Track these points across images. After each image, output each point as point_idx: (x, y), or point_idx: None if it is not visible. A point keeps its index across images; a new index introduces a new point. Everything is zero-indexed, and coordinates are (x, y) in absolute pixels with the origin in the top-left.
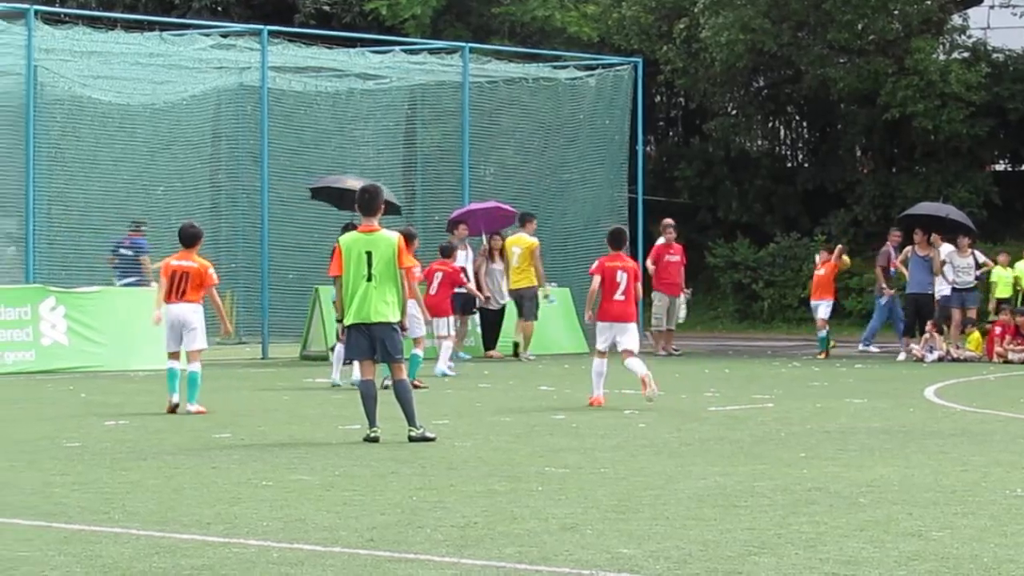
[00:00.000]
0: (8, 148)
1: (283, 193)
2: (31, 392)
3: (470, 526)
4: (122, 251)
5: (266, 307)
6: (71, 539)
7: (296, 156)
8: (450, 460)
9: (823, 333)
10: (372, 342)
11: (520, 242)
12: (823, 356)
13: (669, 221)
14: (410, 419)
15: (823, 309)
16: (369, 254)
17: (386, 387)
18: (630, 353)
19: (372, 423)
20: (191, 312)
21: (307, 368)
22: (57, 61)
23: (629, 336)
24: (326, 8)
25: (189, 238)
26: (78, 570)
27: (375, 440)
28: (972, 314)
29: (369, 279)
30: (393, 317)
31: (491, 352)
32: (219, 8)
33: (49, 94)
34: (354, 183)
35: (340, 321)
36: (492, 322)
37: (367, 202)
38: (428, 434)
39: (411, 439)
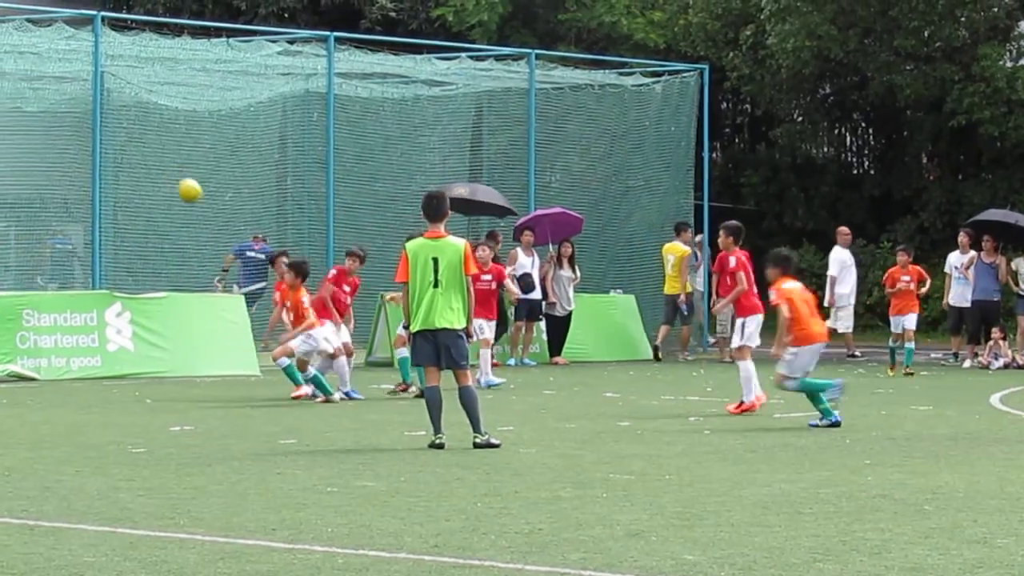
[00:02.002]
0: (75, 154)
1: (348, 199)
2: (97, 397)
3: (535, 532)
4: (249, 254)
5: None
6: (137, 544)
7: (362, 162)
8: (515, 466)
9: (911, 345)
10: (437, 349)
11: (674, 250)
12: (909, 372)
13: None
14: (475, 425)
15: (911, 320)
16: (436, 260)
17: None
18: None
19: (437, 430)
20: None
21: (372, 374)
22: (124, 67)
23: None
24: (392, 14)
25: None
26: (143, 575)
27: (440, 447)
28: None
29: (435, 285)
30: (459, 324)
31: (556, 359)
32: (286, 15)
33: (116, 100)
34: (461, 190)
35: (407, 327)
36: (558, 328)
37: (434, 208)
38: (493, 440)
39: (476, 445)
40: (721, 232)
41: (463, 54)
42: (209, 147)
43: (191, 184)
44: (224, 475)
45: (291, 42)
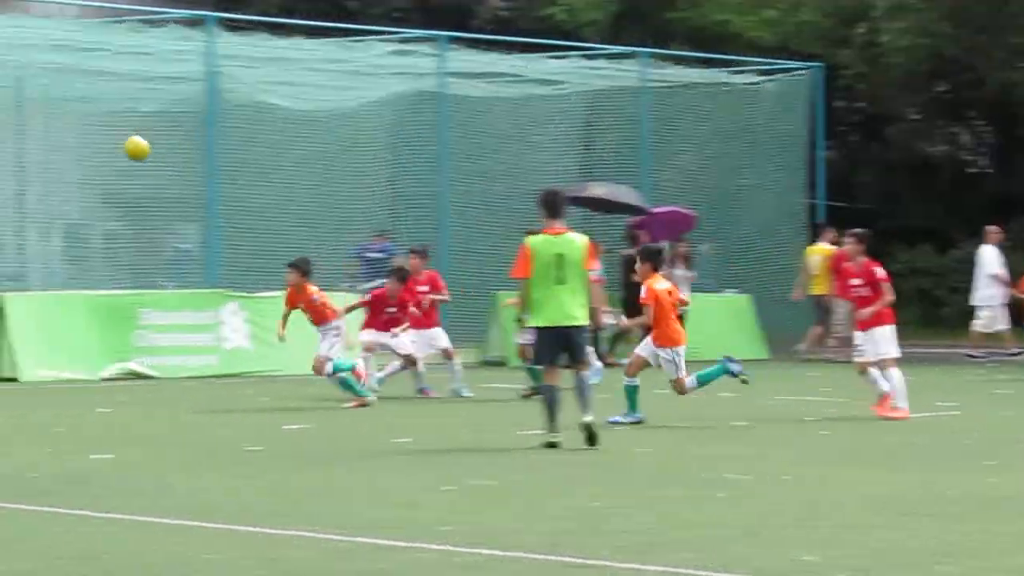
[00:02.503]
0: (189, 154)
1: (461, 198)
2: (214, 396)
3: (650, 532)
4: (369, 255)
5: (445, 311)
6: (255, 542)
7: (474, 162)
8: (630, 466)
9: None
10: (563, 345)
11: (819, 251)
12: None
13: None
14: (585, 407)
15: None
16: (560, 256)
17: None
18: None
19: (554, 428)
20: None
21: (487, 373)
22: (237, 68)
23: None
24: (504, 13)
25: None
26: (261, 573)
27: (556, 445)
28: None
29: (562, 282)
30: (584, 320)
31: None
32: (398, 15)
33: (229, 100)
34: (596, 190)
35: (519, 320)
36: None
37: (553, 204)
38: (589, 419)
39: (584, 426)
40: (851, 239)
41: (575, 53)
42: (322, 147)
43: (137, 141)
44: (340, 473)
45: (403, 42)
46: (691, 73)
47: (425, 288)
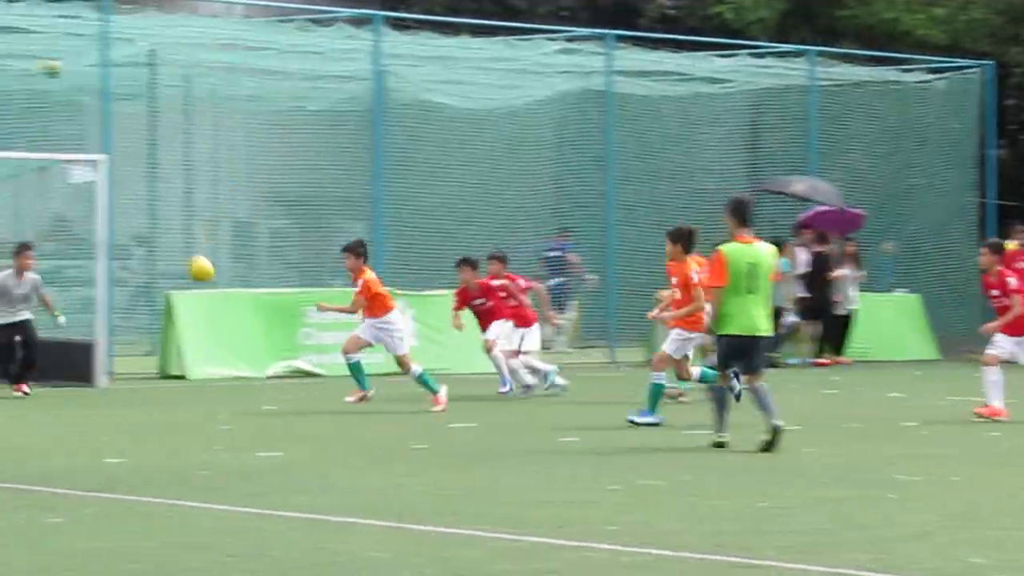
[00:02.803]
0: (356, 153)
1: (626, 197)
2: (382, 394)
3: (817, 532)
4: (550, 254)
5: (612, 311)
6: (422, 541)
7: (640, 160)
8: (797, 466)
9: None
10: (747, 353)
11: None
12: None
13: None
14: (769, 417)
15: None
16: (752, 266)
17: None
18: None
19: (722, 428)
20: None
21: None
22: (404, 66)
23: None
24: (671, 12)
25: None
26: (429, 572)
27: (723, 446)
28: None
29: (753, 291)
30: (770, 331)
31: (839, 358)
32: (564, 13)
33: (396, 99)
34: (797, 186)
35: (711, 332)
36: (839, 328)
37: (743, 213)
38: (777, 422)
39: (776, 429)
40: (985, 249)
41: (742, 51)
42: (488, 145)
43: (203, 263)
44: (507, 472)
45: (570, 40)
46: (860, 72)
47: (503, 294)
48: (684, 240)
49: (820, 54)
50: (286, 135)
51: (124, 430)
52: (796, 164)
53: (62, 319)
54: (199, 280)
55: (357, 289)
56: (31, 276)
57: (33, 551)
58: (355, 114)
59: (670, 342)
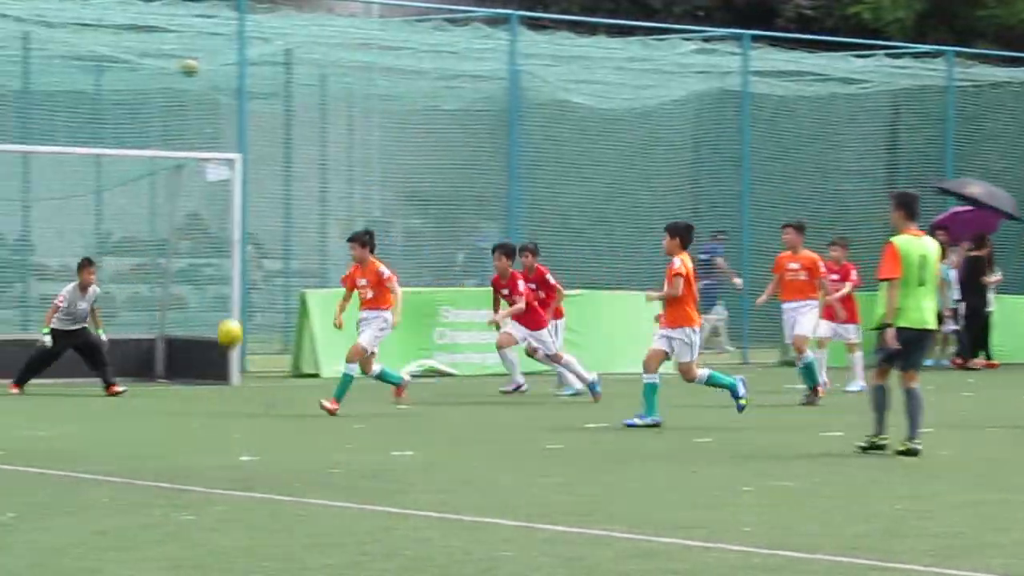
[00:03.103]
0: (491, 152)
1: (762, 198)
2: (514, 393)
3: (955, 536)
4: (701, 256)
5: (747, 312)
6: (553, 540)
7: (776, 161)
8: (934, 469)
9: None
10: (912, 347)
11: None
12: None
13: None
14: (912, 430)
15: None
16: (923, 258)
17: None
18: None
19: (882, 430)
20: None
21: (786, 373)
22: (539, 66)
23: None
24: (808, 12)
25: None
26: (561, 572)
27: (882, 448)
28: None
29: (923, 283)
30: (935, 325)
31: (977, 360)
32: (700, 13)
33: (531, 99)
34: (973, 188)
35: (887, 326)
36: (977, 331)
37: (912, 206)
38: (917, 446)
39: (899, 452)
40: None
41: (879, 52)
42: (623, 145)
43: (232, 328)
44: (639, 473)
45: (706, 40)
46: (998, 72)
47: (533, 285)
48: (681, 235)
49: (958, 55)
50: (421, 135)
51: (257, 428)
52: (933, 165)
53: (104, 337)
54: (227, 344)
55: (366, 282)
56: (93, 290)
57: (166, 548)
58: (490, 114)
59: (679, 351)
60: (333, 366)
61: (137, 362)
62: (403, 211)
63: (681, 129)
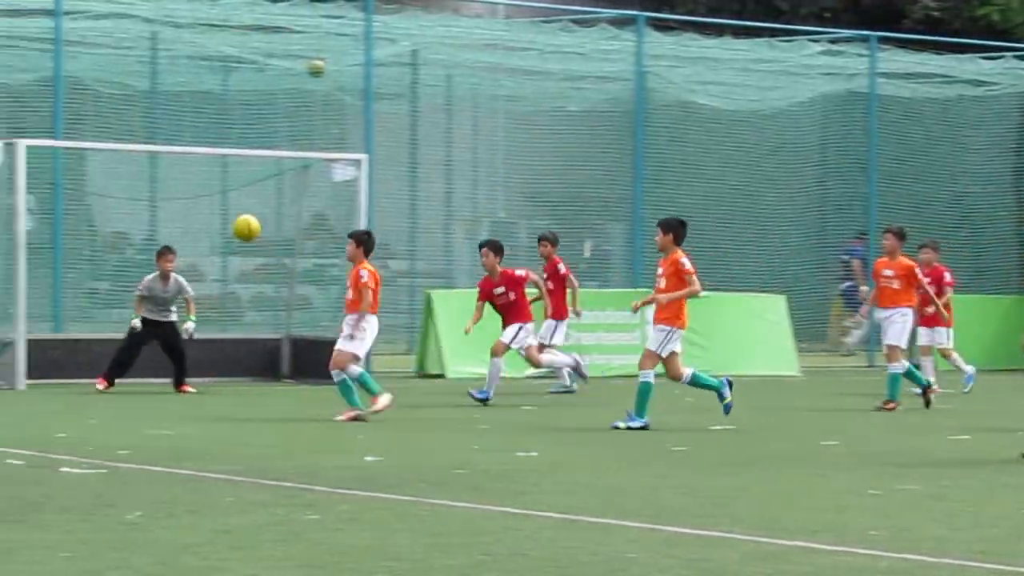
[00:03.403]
0: (616, 154)
1: (889, 200)
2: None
3: None
4: (843, 257)
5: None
6: (678, 542)
7: (903, 164)
8: None
9: None
10: None
11: None
12: None
13: None
14: None
15: None
16: None
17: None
18: None
19: None
20: None
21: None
22: (665, 67)
23: None
24: (935, 13)
25: None
26: (685, 573)
27: None
28: None
29: None
30: None
31: None
32: (827, 15)
33: (657, 100)
34: None
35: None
36: None
37: None
38: None
39: None
40: None
41: (1008, 54)
42: (749, 147)
43: (249, 220)
44: (765, 475)
45: (832, 42)
46: None
47: (545, 275)
48: (675, 231)
49: None
50: (546, 135)
51: (382, 428)
52: None
53: (190, 326)
54: (243, 237)
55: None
56: (175, 279)
57: (290, 547)
58: (615, 115)
59: (652, 339)
60: (458, 366)
61: (263, 362)
62: (527, 212)
63: (807, 131)
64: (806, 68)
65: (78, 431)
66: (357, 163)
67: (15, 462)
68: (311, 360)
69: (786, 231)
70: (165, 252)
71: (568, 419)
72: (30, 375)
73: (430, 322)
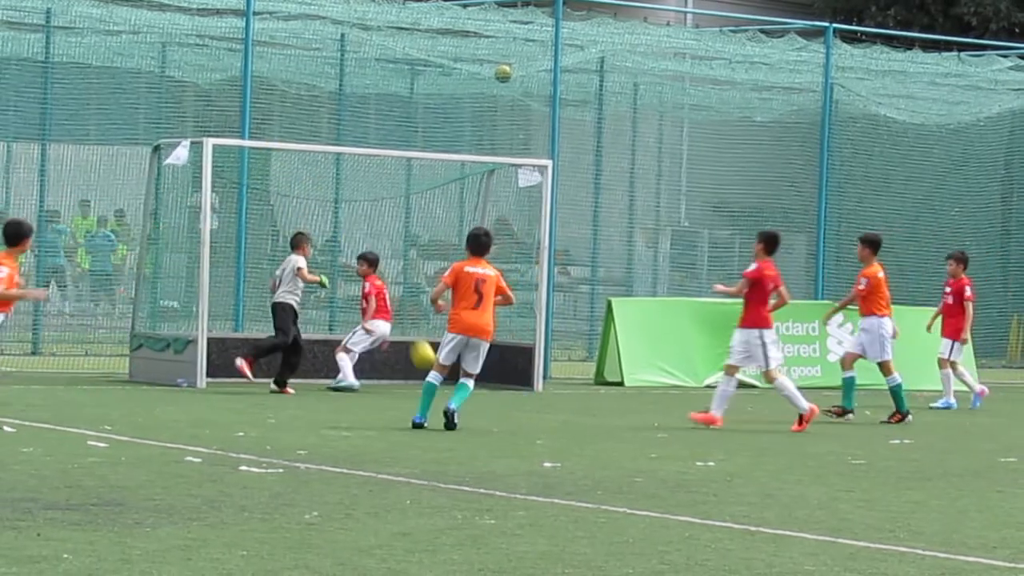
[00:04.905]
0: (802, 164)
1: None
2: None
3: None
4: None
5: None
6: (856, 556)
7: None
8: None
9: None
10: None
11: None
12: None
13: None
14: None
15: None
16: None
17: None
18: None
19: None
20: None
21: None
22: (853, 79)
23: None
24: None
25: None
26: None
27: None
28: None
29: None
30: None
31: None
32: (1017, 29)
33: (843, 112)
34: None
35: None
36: None
37: None
38: None
39: None
40: None
41: None
42: (934, 161)
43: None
44: (943, 490)
45: (1022, 57)
46: None
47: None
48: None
49: None
50: (731, 145)
51: (560, 434)
52: None
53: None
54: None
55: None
56: (290, 259)
57: (467, 551)
58: (801, 126)
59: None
60: (636, 375)
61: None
62: (711, 221)
63: (993, 146)
64: (994, 83)
65: (257, 430)
66: (542, 169)
67: (194, 460)
68: (489, 365)
69: (968, 247)
70: (299, 237)
71: (747, 431)
72: (210, 374)
73: (610, 329)
